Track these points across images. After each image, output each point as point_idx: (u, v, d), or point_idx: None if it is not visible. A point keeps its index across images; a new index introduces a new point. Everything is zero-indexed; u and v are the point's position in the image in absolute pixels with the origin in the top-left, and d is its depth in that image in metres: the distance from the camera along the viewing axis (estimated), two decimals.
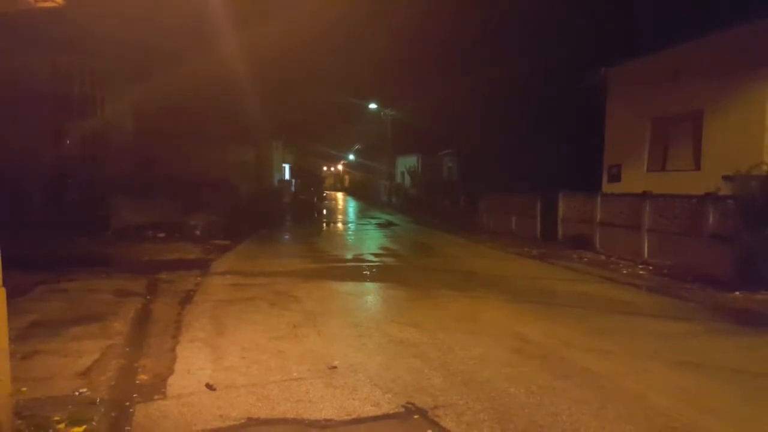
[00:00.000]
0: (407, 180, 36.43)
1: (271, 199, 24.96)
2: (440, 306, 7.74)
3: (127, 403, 4.25)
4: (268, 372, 4.93)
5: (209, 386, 4.57)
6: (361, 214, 31.76)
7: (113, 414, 4.07)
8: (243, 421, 3.94)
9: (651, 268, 11.13)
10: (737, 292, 8.69)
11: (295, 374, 4.88)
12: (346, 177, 76.64)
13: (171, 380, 4.71)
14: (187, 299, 7.95)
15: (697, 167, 12.06)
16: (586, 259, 12.56)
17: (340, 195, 63.43)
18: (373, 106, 37.82)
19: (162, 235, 15.05)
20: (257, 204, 21.55)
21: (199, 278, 9.60)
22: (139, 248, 12.91)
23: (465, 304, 7.91)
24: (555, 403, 4.28)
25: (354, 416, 4.04)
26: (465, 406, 4.19)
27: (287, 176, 34.88)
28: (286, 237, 18.81)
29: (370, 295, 8.85)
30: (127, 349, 5.59)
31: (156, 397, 4.39)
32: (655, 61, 13.15)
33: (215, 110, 19.18)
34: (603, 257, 12.69)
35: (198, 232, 15.55)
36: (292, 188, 30.18)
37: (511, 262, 12.65)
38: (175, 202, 16.34)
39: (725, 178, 10.09)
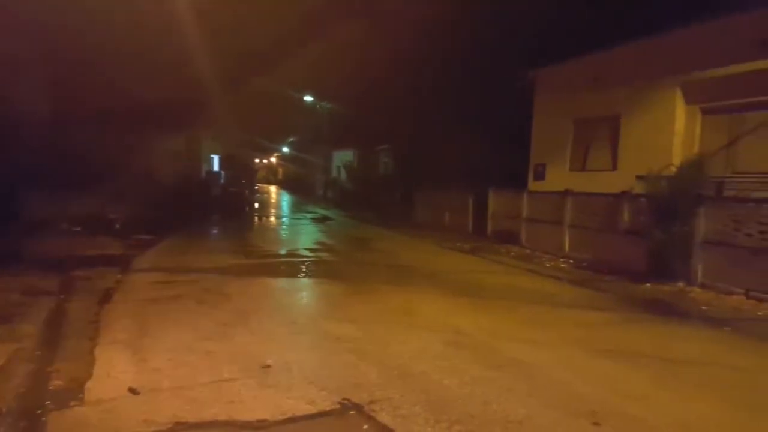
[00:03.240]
0: (343, 174, 36.25)
1: (199, 191, 24.04)
2: (376, 301, 7.77)
3: (39, 412, 3.94)
4: (196, 373, 4.74)
5: (132, 390, 4.34)
6: (296, 208, 31.33)
7: (22, 424, 3.76)
8: (170, 425, 3.77)
9: (572, 261, 11.73)
10: (648, 284, 9.34)
11: (226, 375, 4.72)
12: (280, 170, 75.20)
13: (89, 385, 4.42)
14: (106, 298, 7.49)
15: (614, 167, 12.81)
16: (513, 253, 13.05)
17: (273, 188, 62.24)
18: (308, 98, 37.29)
19: (78, 229, 14.12)
20: (184, 196, 20.68)
21: (119, 275, 9.08)
22: (53, 243, 12.04)
23: (401, 298, 7.98)
24: (486, 393, 4.40)
25: (289, 415, 3.97)
26: (401, 400, 4.23)
27: (216, 168, 33.66)
28: (216, 231, 18.22)
29: (305, 291, 8.74)
30: (39, 352, 5.18)
31: (72, 403, 4.10)
32: (578, 66, 13.82)
33: (141, 96, 18.15)
34: (528, 251, 13.23)
35: (119, 226, 14.72)
36: (222, 180, 29.15)
37: (444, 256, 12.92)
38: (94, 193, 15.34)
39: (639, 177, 10.77)
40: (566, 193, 12.61)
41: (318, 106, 36.99)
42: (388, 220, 21.03)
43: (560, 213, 12.61)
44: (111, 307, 7.00)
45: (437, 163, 20.48)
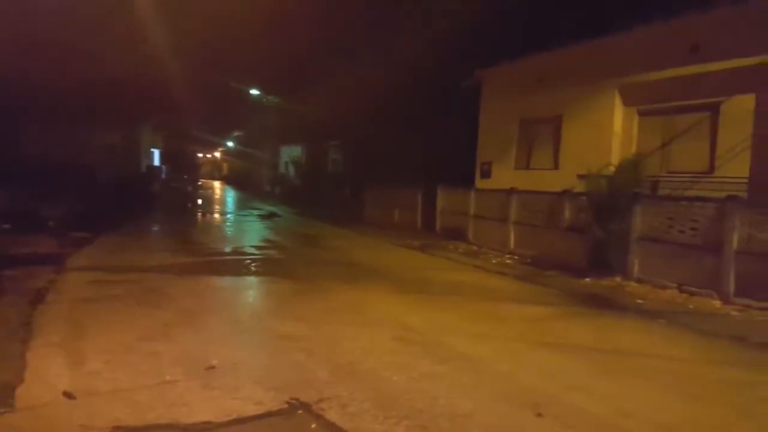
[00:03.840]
0: (291, 170, 35.73)
1: (139, 187, 23.13)
2: (326, 298, 7.71)
3: None
4: (137, 376, 4.56)
5: (67, 394, 4.12)
6: (242, 204, 30.68)
7: None
8: (108, 430, 3.60)
9: (517, 257, 12.06)
10: (588, 278, 9.71)
11: (168, 377, 4.56)
12: (225, 165, 73.34)
13: (20, 390, 4.16)
14: (38, 299, 7.08)
15: (557, 167, 13.24)
16: (461, 250, 13.27)
17: (217, 184, 60.67)
18: (255, 92, 36.44)
19: (7, 226, 13.28)
20: (124, 192, 19.85)
21: (53, 275, 8.60)
22: None
23: (350, 295, 7.96)
24: (434, 388, 4.45)
25: (234, 417, 3.87)
26: (349, 398, 4.21)
27: (157, 162, 32.43)
28: (157, 229, 17.57)
29: (252, 290, 8.57)
30: None
31: (1, 410, 3.86)
32: (522, 67, 14.18)
33: (79, 87, 17.22)
34: (476, 248, 13.50)
35: (52, 223, 13.94)
36: (163, 175, 28.14)
37: (394, 253, 12.98)
38: (26, 188, 14.47)
39: (580, 177, 11.17)
40: (511, 191, 12.94)
41: (265, 99, 36.22)
42: (338, 217, 20.94)
43: (506, 210, 12.93)
44: (44, 309, 6.62)
45: (387, 160, 20.56)
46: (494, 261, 11.87)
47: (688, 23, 10.19)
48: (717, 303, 8.02)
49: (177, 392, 4.25)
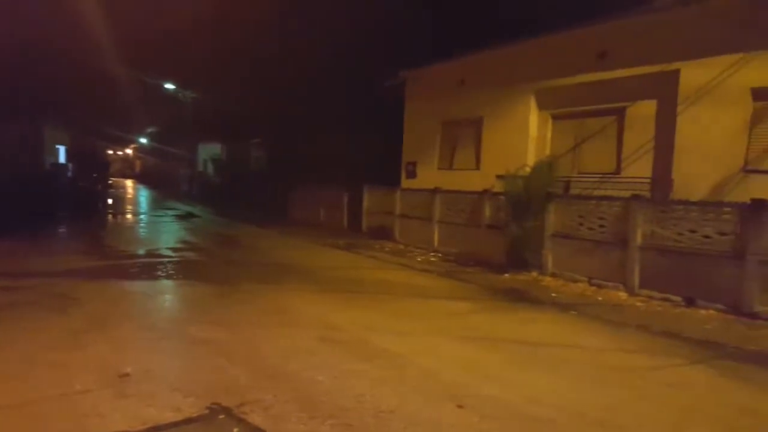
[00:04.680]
0: (211, 168, 34.49)
1: (43, 186, 21.44)
2: (247, 301, 7.53)
3: None
4: (43, 387, 4.24)
5: None
6: (157, 204, 29.26)
7: None
8: None
9: (441, 255, 12.36)
10: (507, 274, 10.13)
11: (78, 387, 4.27)
12: (138, 162, 69.61)
13: None
14: None
15: (478, 167, 13.69)
16: (387, 249, 13.40)
17: (129, 182, 57.52)
18: (170, 86, 34.79)
19: None
20: (25, 191, 18.31)
21: None
22: None
23: (273, 297, 7.82)
24: (359, 386, 4.47)
25: (151, 425, 3.69)
26: (272, 400, 4.14)
27: (63, 160, 30.22)
28: (64, 230, 16.40)
29: (169, 294, 8.20)
30: None
31: None
32: (445, 69, 14.54)
33: None
34: (402, 246, 13.68)
35: None
36: (70, 174, 26.25)
37: (319, 253, 12.88)
38: None
39: (498, 177, 11.61)
40: (435, 190, 13.23)
41: (181, 95, 34.65)
42: (261, 217, 20.49)
43: (430, 210, 13.20)
44: None
45: (313, 159, 20.38)
46: (419, 259, 12.09)
47: (595, 31, 10.86)
48: (623, 294, 8.61)
49: (88, 402, 4.00)
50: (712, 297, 7.64)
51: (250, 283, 8.72)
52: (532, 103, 12.38)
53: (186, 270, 9.81)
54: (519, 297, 8.55)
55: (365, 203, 16.20)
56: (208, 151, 36.32)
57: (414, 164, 15.64)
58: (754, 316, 7.15)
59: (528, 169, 10.99)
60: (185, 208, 25.54)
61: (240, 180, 28.15)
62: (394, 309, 7.41)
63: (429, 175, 14.81)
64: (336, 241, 14.32)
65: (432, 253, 12.59)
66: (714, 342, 6.24)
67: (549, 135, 12.29)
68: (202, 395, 4.18)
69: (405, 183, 15.69)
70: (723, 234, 7.70)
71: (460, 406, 4.12)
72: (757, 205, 7.37)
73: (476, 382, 4.68)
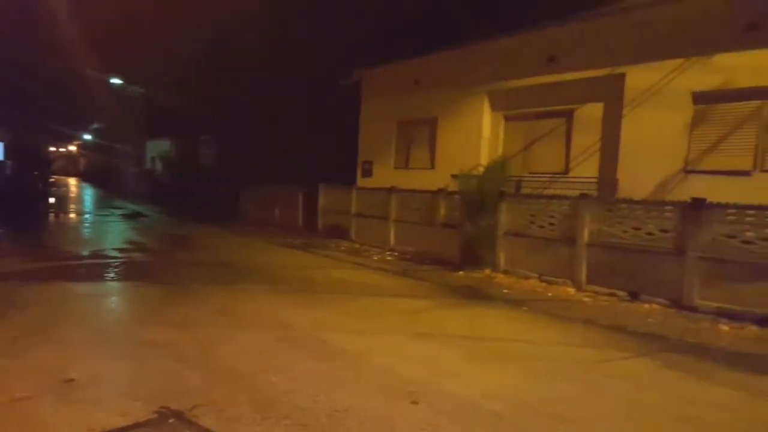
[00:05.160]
0: (159, 166, 33.38)
1: None
2: (200, 302, 7.34)
3: None
4: None
5: None
6: (102, 203, 28.16)
7: None
8: None
9: (397, 253, 12.42)
10: (461, 272, 10.28)
11: (19, 393, 4.06)
12: (82, 159, 66.74)
13: None
14: None
15: (433, 166, 13.83)
16: (343, 248, 13.36)
17: (73, 180, 55.13)
18: (116, 81, 33.44)
19: None
20: None
21: None
22: None
23: (227, 297, 7.66)
24: (315, 386, 4.43)
25: (98, 431, 3.55)
26: (226, 402, 4.05)
27: (0, 157, 28.68)
28: (1, 231, 15.54)
29: (115, 296, 7.91)
30: None
31: None
32: (400, 69, 14.61)
33: None
34: (358, 245, 13.67)
35: None
36: (8, 171, 24.91)
37: (274, 252, 12.70)
38: None
39: (453, 176, 11.78)
40: (391, 189, 13.28)
41: (128, 89, 33.36)
42: (213, 216, 19.99)
43: (386, 208, 13.24)
44: None
45: (267, 157, 20.07)
46: (375, 258, 12.10)
47: (545, 35, 11.18)
48: (572, 290, 8.89)
49: (30, 409, 3.81)
50: (655, 291, 7.99)
51: (202, 283, 8.51)
52: (486, 104, 12.61)
53: (134, 271, 9.48)
54: (473, 294, 8.69)
55: (321, 202, 16.10)
56: (157, 147, 35.14)
57: (370, 163, 15.66)
58: (693, 309, 7.52)
59: (482, 169, 11.20)
60: (132, 207, 24.65)
61: (190, 178, 27.36)
62: (351, 308, 7.40)
63: (385, 174, 14.85)
64: (291, 241, 14.16)
65: (388, 252, 12.64)
66: (657, 335, 6.53)
67: (501, 135, 12.56)
68: (152, 399, 4.05)
69: (361, 182, 15.68)
70: (665, 231, 8.06)
71: (415, 403, 4.15)
72: (697, 203, 7.75)
73: (432, 378, 4.72)
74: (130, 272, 9.36)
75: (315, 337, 5.83)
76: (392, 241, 13.02)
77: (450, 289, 9.05)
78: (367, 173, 15.71)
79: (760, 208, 7.22)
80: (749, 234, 7.26)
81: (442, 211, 11.78)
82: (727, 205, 7.50)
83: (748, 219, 7.30)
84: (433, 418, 3.94)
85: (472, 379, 4.80)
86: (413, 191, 12.77)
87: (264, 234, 15.63)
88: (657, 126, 9.50)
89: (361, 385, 4.52)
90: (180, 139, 32.37)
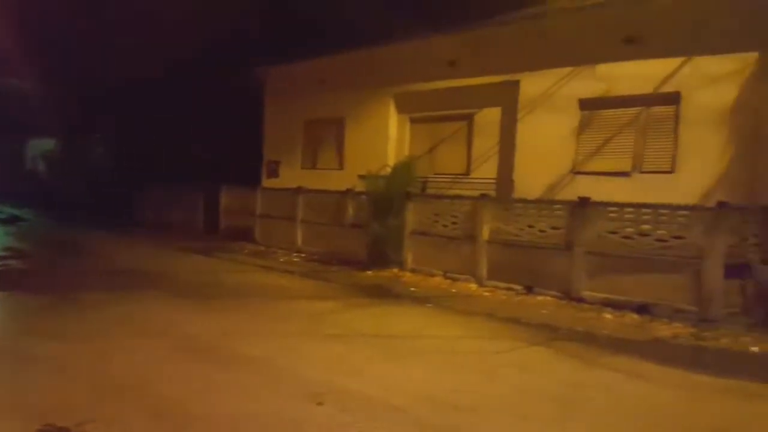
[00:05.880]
0: (42, 167, 30.58)
1: None
2: (90, 311, 6.81)
3: None
4: None
5: None
6: None
7: None
8: None
9: (304, 255, 12.27)
10: (369, 272, 10.36)
11: None
12: None
13: None
14: None
15: (341, 167, 13.83)
16: (247, 251, 12.98)
17: None
18: None
19: None
20: None
21: None
22: None
23: (121, 306, 7.15)
24: (216, 394, 4.27)
25: None
26: (117, 416, 3.79)
27: None
28: None
29: None
30: None
31: None
32: (306, 68, 14.44)
33: None
34: (263, 248, 13.34)
35: None
36: None
37: (172, 257, 12.06)
38: None
39: (361, 177, 11.84)
40: (298, 190, 13.10)
41: (5, 83, 30.14)
42: (104, 220, 18.58)
43: (293, 209, 13.03)
44: None
45: (166, 158, 19.03)
46: (282, 260, 11.89)
47: (447, 40, 11.55)
48: (474, 286, 9.25)
49: None
50: (547, 285, 8.52)
51: (93, 292, 7.88)
52: (392, 106, 12.80)
53: (12, 280, 8.61)
54: (380, 293, 8.79)
55: (223, 204, 15.55)
56: (39, 146, 32.14)
57: (277, 163, 15.35)
58: (581, 300, 8.10)
59: (389, 170, 11.35)
60: (9, 210, 22.34)
61: (78, 179, 25.28)
62: (255, 312, 7.21)
63: (292, 175, 14.62)
64: (191, 245, 13.52)
65: (295, 254, 12.45)
66: (549, 325, 6.96)
67: (408, 137, 12.80)
68: (33, 417, 3.69)
69: (267, 182, 15.33)
70: (556, 228, 8.63)
71: (320, 404, 4.12)
72: (583, 202, 8.36)
73: (337, 378, 4.71)
74: (7, 281, 8.47)
75: (217, 344, 5.61)
76: (299, 242, 12.85)
77: (358, 289, 9.09)
78: (273, 173, 15.38)
79: (637, 206, 7.92)
80: (629, 230, 7.93)
81: (350, 211, 11.80)
82: (609, 204, 8.15)
83: (628, 216, 7.98)
84: (338, 417, 3.94)
85: (377, 376, 4.85)
86: (321, 192, 12.68)
87: (162, 238, 14.81)
88: (548, 130, 10.13)
89: (265, 389, 4.42)
90: (67, 138, 29.83)
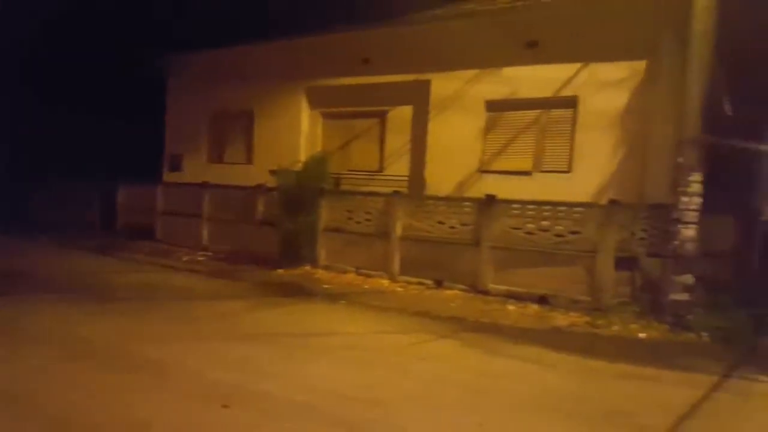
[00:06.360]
0: None
1: None
2: None
3: None
4: None
5: None
6: None
7: None
8: None
9: (211, 254, 11.76)
10: (281, 270, 10.11)
11: None
12: None
13: None
14: None
15: (250, 161, 13.38)
16: (147, 249, 12.20)
17: None
18: None
19: None
20: None
21: None
22: None
23: (4, 312, 6.46)
24: (115, 400, 3.97)
25: None
26: (3, 430, 3.40)
27: None
28: None
29: None
30: None
31: None
32: (214, 58, 13.82)
33: None
34: (165, 246, 12.61)
35: None
36: None
37: (66, 257, 11.11)
38: None
39: (271, 172, 11.53)
40: (204, 185, 12.53)
41: None
42: None
43: (199, 206, 12.45)
44: None
45: (62, 152, 17.46)
46: (185, 259, 11.30)
47: (360, 37, 11.53)
48: (386, 282, 9.33)
49: None
50: (457, 279, 8.78)
51: None
52: (304, 101, 12.57)
53: None
54: (292, 291, 8.61)
55: (121, 200, 14.58)
56: None
57: (180, 157, 14.56)
58: (487, 293, 8.42)
59: (301, 165, 11.15)
60: None
61: None
62: (157, 314, 6.78)
63: (197, 169, 13.94)
64: (86, 243, 12.52)
65: (201, 253, 11.89)
66: (458, 317, 7.17)
67: (320, 132, 12.64)
68: None
69: (169, 177, 14.52)
70: (465, 224, 8.90)
71: (226, 406, 3.93)
72: (489, 200, 8.69)
73: (246, 379, 4.53)
74: None
75: (115, 349, 5.22)
76: (205, 240, 12.30)
77: (269, 287, 8.85)
78: (176, 167, 14.57)
79: (538, 203, 8.35)
80: (530, 226, 8.36)
81: (261, 207, 11.46)
82: (513, 201, 8.54)
83: (530, 213, 8.40)
84: (245, 419, 3.78)
85: (288, 375, 4.72)
86: (229, 187, 12.21)
87: (53, 236, 13.56)
88: (458, 130, 10.41)
89: (169, 394, 4.15)
90: None
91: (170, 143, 14.83)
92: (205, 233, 12.33)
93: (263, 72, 12.98)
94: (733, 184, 9.15)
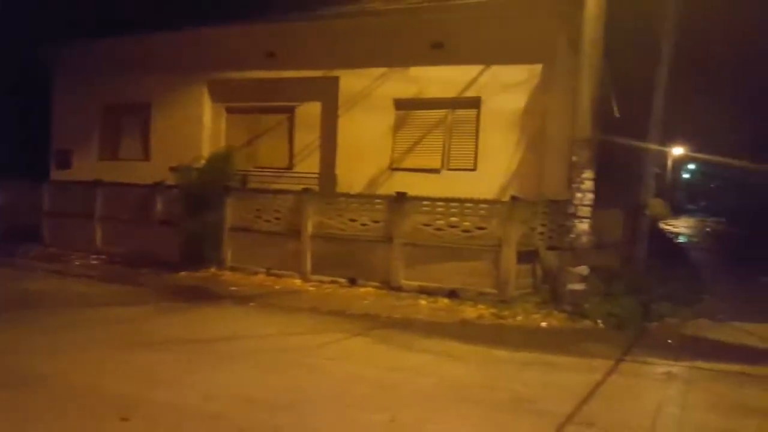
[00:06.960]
0: None
1: None
2: None
3: None
4: None
5: None
6: None
7: None
8: None
9: (105, 257, 10.89)
10: (183, 272, 9.58)
11: None
12: None
13: None
14: None
15: (147, 158, 12.56)
16: (33, 254, 11.08)
17: None
18: None
19: None
20: None
21: None
22: None
23: None
24: (3, 418, 3.53)
25: None
26: None
27: None
28: None
29: None
30: None
31: None
32: (106, 47, 12.82)
33: None
34: (53, 250, 11.49)
35: None
36: None
37: None
38: None
39: (172, 169, 10.88)
40: (96, 183, 11.56)
41: None
42: None
43: (90, 205, 11.48)
44: None
45: None
46: (77, 263, 10.42)
47: (264, 30, 11.22)
48: (298, 282, 9.13)
49: None
50: (369, 276, 8.78)
51: None
52: (206, 95, 11.99)
53: None
54: (197, 295, 8.19)
55: (1, 200, 13.11)
56: None
57: (69, 152, 13.36)
58: (399, 289, 8.50)
59: (203, 162, 10.64)
60: None
61: None
62: (44, 324, 6.14)
63: (88, 166, 12.86)
64: None
65: (94, 256, 10.97)
66: (371, 314, 7.18)
67: (224, 128, 12.13)
68: None
69: (57, 174, 13.32)
70: (376, 222, 8.92)
71: (125, 419, 3.61)
72: (400, 197, 8.77)
73: (147, 390, 4.22)
74: None
75: None
76: (99, 243, 11.35)
77: (170, 291, 8.36)
78: (65, 164, 13.36)
79: (447, 200, 8.55)
80: (440, 222, 8.54)
81: (160, 206, 10.77)
82: (423, 198, 8.67)
83: (439, 210, 8.58)
84: (146, 431, 3.51)
85: (192, 384, 4.45)
86: (124, 185, 11.36)
87: None
88: (367, 127, 10.41)
89: (59, 409, 3.76)
90: None
91: (57, 138, 13.59)
92: (98, 235, 11.40)
93: (162, 63, 12.21)
94: (621, 180, 9.95)
